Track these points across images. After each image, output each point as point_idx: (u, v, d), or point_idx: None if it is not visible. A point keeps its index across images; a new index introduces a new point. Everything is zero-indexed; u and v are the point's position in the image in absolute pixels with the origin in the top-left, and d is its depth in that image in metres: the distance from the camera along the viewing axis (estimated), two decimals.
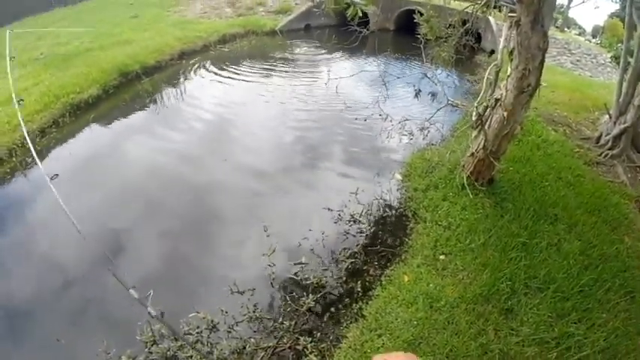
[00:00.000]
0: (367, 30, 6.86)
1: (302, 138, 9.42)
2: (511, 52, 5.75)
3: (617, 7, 22.13)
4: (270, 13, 21.91)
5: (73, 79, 11.08)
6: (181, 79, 13.36)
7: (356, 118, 10.25)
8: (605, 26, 40.11)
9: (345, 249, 6.03)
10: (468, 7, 7.26)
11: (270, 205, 7.05)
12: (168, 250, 6.05)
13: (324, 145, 9.15)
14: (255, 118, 10.50)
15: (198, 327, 4.77)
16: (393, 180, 7.72)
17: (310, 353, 4.49)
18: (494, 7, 7.42)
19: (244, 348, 4.58)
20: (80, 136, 9.32)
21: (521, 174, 7.16)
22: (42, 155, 8.34)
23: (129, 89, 12.05)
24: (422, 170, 7.59)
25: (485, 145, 6.30)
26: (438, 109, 7.41)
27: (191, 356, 4.48)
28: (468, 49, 8.48)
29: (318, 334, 4.77)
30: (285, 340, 4.67)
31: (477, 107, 6.25)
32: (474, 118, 6.28)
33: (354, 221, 6.60)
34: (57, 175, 6.17)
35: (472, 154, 6.68)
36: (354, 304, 5.08)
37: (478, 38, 15.81)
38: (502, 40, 6.89)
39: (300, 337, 4.67)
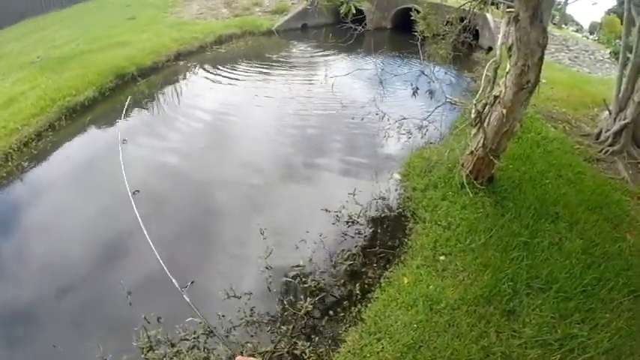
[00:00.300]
0: (362, 28, 6.77)
1: (299, 138, 9.36)
2: (510, 49, 5.66)
3: (614, 3, 22.13)
4: (267, 13, 21.78)
5: (69, 82, 11.00)
6: (177, 81, 13.27)
7: (353, 118, 10.16)
8: (602, 22, 40.05)
9: (343, 251, 5.95)
10: (465, 4, 7.19)
11: (267, 206, 6.99)
12: (164, 254, 5.89)
13: (321, 146, 9.08)
14: (251, 119, 10.41)
15: (194, 332, 4.70)
16: (391, 180, 7.63)
17: (308, 358, 4.43)
18: (492, 4, 7.34)
19: (241, 353, 4.48)
20: (76, 140, 9.24)
21: (521, 172, 7.08)
22: (39, 159, 8.30)
23: (125, 91, 11.93)
24: (421, 169, 7.51)
25: (484, 143, 6.22)
26: (436, 107, 7.30)
27: None
28: (466, 46, 8.41)
29: (317, 338, 4.71)
30: (282, 345, 4.60)
31: (475, 105, 6.17)
32: (472, 116, 6.20)
33: (353, 222, 6.53)
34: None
35: (471, 152, 6.61)
36: (352, 307, 5.00)
37: (476, 35, 15.70)
38: (500, 36, 6.82)
39: (298, 342, 4.60)
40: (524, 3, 5.16)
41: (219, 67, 14.55)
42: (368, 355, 4.31)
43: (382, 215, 6.77)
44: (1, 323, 5.01)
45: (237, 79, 13.47)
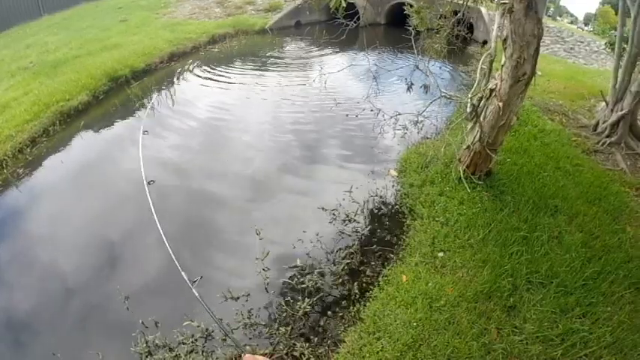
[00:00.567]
0: (355, 24, 6.70)
1: (293, 137, 9.27)
2: (504, 41, 5.60)
3: None
4: (260, 11, 21.72)
5: (63, 87, 10.94)
6: (171, 82, 13.16)
7: (347, 114, 10.11)
8: (597, 13, 40.12)
9: (340, 249, 5.90)
10: None
11: (262, 207, 6.91)
12: (159, 255, 5.83)
13: (316, 144, 9.01)
14: (246, 119, 10.32)
15: (192, 335, 4.65)
16: (387, 176, 7.58)
17: (308, 359, 4.38)
18: None
19: (240, 356, 4.42)
20: (71, 145, 9.16)
21: (518, 165, 7.03)
22: (33, 165, 8.23)
23: (119, 94, 11.86)
24: (417, 165, 7.45)
25: (481, 137, 6.17)
26: (431, 102, 7.23)
27: None
28: (460, 39, 8.32)
29: (316, 338, 4.65)
30: (281, 347, 4.55)
31: (471, 99, 6.11)
32: (468, 110, 6.13)
33: (350, 220, 6.46)
34: None
35: (468, 146, 6.55)
36: (351, 307, 4.95)
37: (470, 29, 15.67)
38: (495, 28, 6.74)
39: (297, 343, 4.55)
40: None
41: (213, 67, 14.47)
42: (367, 355, 4.25)
43: (379, 212, 6.69)
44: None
45: (231, 79, 13.38)
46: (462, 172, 6.59)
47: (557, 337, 4.41)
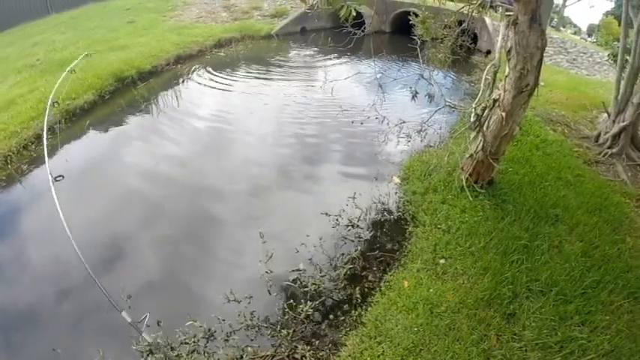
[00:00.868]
0: (362, 32, 6.78)
1: (298, 143, 9.34)
2: (508, 52, 5.67)
3: (612, 5, 22.15)
4: (266, 17, 21.81)
5: (68, 87, 10.97)
6: (177, 84, 13.25)
7: (352, 122, 10.15)
8: (600, 25, 40.16)
9: (343, 254, 5.95)
10: (463, 7, 7.20)
11: (267, 211, 6.97)
12: (165, 257, 6.00)
13: (320, 150, 9.08)
14: (250, 122, 10.40)
15: (194, 336, 4.69)
16: (391, 183, 7.63)
17: None
18: (490, 7, 7.37)
19: (241, 357, 4.50)
20: (76, 143, 9.25)
21: (520, 175, 7.10)
22: (37, 162, 8.29)
23: (125, 94, 11.95)
24: (420, 173, 7.51)
25: (484, 147, 6.24)
26: (436, 111, 7.33)
27: None
28: (465, 49, 8.42)
29: (317, 342, 4.70)
30: (283, 349, 4.60)
31: (475, 108, 6.19)
32: (472, 119, 6.21)
33: (353, 226, 6.52)
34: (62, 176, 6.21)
35: (471, 155, 6.61)
36: (353, 311, 5.00)
37: (474, 39, 15.74)
38: (499, 39, 6.84)
39: (299, 346, 4.59)
40: (522, 6, 5.18)
41: (219, 70, 14.55)
42: (368, 358, 4.30)
43: (382, 219, 6.76)
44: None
45: (236, 83, 13.47)
46: (464, 180, 6.66)
47: (556, 344, 4.46)
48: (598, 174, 7.74)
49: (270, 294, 5.35)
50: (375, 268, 5.74)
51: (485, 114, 6.21)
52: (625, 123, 8.31)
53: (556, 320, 4.70)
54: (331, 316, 5.02)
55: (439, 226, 6.13)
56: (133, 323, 2.14)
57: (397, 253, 5.97)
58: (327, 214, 6.75)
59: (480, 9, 6.89)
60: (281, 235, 6.36)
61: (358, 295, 5.22)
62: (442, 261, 5.54)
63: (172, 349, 4.55)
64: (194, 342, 4.65)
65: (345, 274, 5.57)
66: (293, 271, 5.65)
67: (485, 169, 6.57)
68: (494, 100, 6.03)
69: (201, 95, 12.33)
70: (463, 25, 7.64)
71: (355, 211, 6.79)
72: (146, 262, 5.90)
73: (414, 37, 7.18)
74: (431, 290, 5.02)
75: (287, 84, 13.57)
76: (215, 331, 4.78)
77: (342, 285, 5.45)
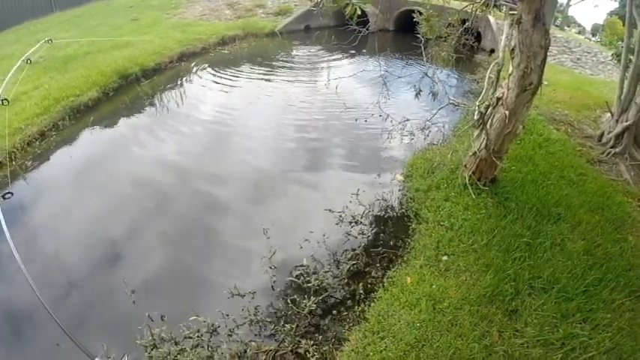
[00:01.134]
0: (367, 30, 6.80)
1: (302, 140, 9.37)
2: (512, 51, 5.69)
3: (616, 5, 22.08)
4: (270, 14, 21.82)
5: (73, 82, 11.07)
6: (180, 82, 13.32)
7: (356, 119, 10.18)
8: (604, 24, 40.06)
9: (346, 250, 5.98)
10: (467, 6, 7.21)
11: (271, 208, 7.03)
12: (169, 253, 6.04)
13: (324, 148, 9.10)
14: (254, 120, 10.44)
15: (198, 330, 4.74)
16: (394, 181, 7.67)
17: (312, 356, 4.46)
18: (494, 6, 7.37)
19: (245, 352, 4.54)
20: (80, 140, 9.31)
21: (523, 173, 7.10)
22: (42, 158, 8.37)
23: (128, 91, 12.03)
24: (423, 170, 7.54)
25: (487, 145, 6.25)
26: (439, 109, 7.36)
27: None
28: (468, 48, 8.43)
29: (320, 337, 4.74)
30: (286, 344, 4.63)
31: (478, 106, 6.20)
32: (475, 117, 6.22)
33: (356, 222, 6.55)
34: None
35: (474, 153, 6.63)
36: (356, 307, 5.03)
37: (478, 37, 15.74)
38: (503, 38, 6.84)
39: (302, 340, 4.63)
40: (526, 5, 5.20)
41: (223, 68, 14.62)
42: (371, 353, 4.33)
43: (385, 216, 6.80)
44: None
45: (240, 81, 13.53)
46: (467, 178, 6.68)
47: (558, 341, 4.48)
48: (601, 173, 7.73)
49: (273, 289, 5.39)
50: (378, 265, 5.77)
51: (488, 112, 6.23)
52: (628, 122, 8.30)
53: (558, 317, 4.72)
54: (334, 312, 5.05)
55: (442, 223, 6.14)
56: None
57: (400, 249, 5.99)
58: (330, 210, 6.77)
59: (484, 8, 6.89)
60: (285, 232, 6.40)
61: (361, 291, 5.26)
62: (445, 258, 5.56)
63: (176, 343, 4.60)
64: (198, 336, 4.68)
65: (348, 270, 5.61)
66: (296, 266, 5.68)
67: (488, 167, 6.58)
68: (498, 99, 6.05)
69: (204, 93, 12.37)
70: (467, 23, 7.63)
71: (359, 208, 6.82)
72: (152, 260, 5.91)
73: (418, 36, 7.19)
74: (433, 286, 5.05)
75: (290, 82, 13.62)
76: (219, 326, 4.82)
77: (346, 281, 5.48)
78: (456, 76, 14.61)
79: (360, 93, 12.18)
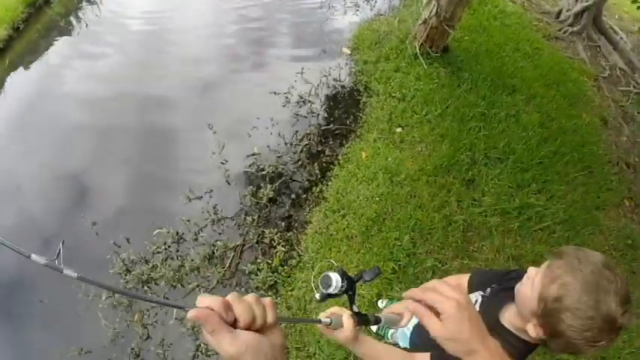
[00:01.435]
0: None
1: (241, 30, 8.33)
2: None
3: None
4: None
5: None
6: None
7: None
8: None
9: (297, 132, 5.65)
10: None
11: (215, 104, 6.43)
12: (122, 175, 5.58)
13: (264, 28, 8.28)
14: (186, 17, 9.18)
15: (165, 243, 4.52)
16: (340, 55, 7.09)
17: (278, 244, 4.36)
18: None
19: (213, 253, 4.40)
20: (3, 88, 7.96)
21: (477, 44, 6.72)
22: None
23: (40, 19, 10.34)
24: (371, 42, 6.96)
25: (437, 12, 5.78)
26: None
27: (163, 274, 4.26)
28: None
29: (282, 223, 4.62)
30: (251, 236, 4.52)
31: None
32: None
33: (304, 102, 6.11)
34: None
35: (424, 21, 6.12)
36: (314, 188, 4.87)
37: None
38: None
39: (266, 230, 4.51)
40: None
41: None
42: (335, 232, 4.25)
43: (334, 92, 6.36)
44: None
45: None
46: (417, 47, 6.23)
47: (514, 210, 4.50)
48: (557, 50, 7.47)
49: (229, 184, 5.10)
50: (331, 142, 5.50)
51: None
52: (588, 3, 7.96)
53: (514, 187, 4.71)
54: (293, 196, 4.90)
55: (393, 95, 5.79)
56: (49, 262, 1.67)
57: (352, 124, 5.69)
58: (275, 92, 6.26)
59: None
60: (231, 123, 5.94)
61: (317, 171, 5.05)
62: (399, 130, 5.30)
63: (147, 261, 4.40)
64: (165, 249, 4.50)
65: (301, 152, 5.35)
66: (248, 156, 5.36)
67: (439, 36, 6.14)
68: None
69: None
70: None
71: (305, 87, 6.33)
72: (105, 185, 5.48)
73: None
74: (389, 159, 4.85)
75: None
76: (183, 234, 4.60)
77: (300, 163, 5.24)
78: None
79: None
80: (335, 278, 1.17)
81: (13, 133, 6.60)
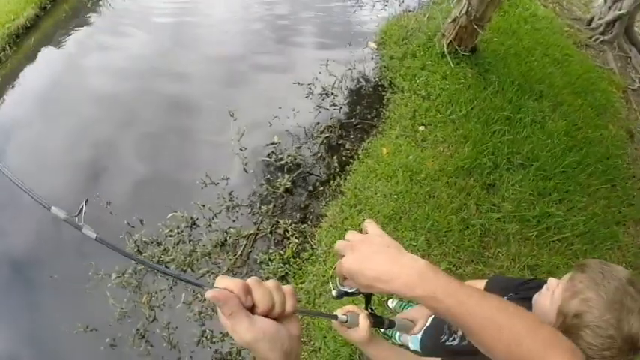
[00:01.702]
0: None
1: (267, 13, 8.40)
2: None
3: None
4: None
5: (5, 8, 9.37)
6: None
7: None
8: None
9: (318, 124, 5.64)
10: None
11: (236, 89, 6.45)
12: (140, 155, 5.66)
13: (291, 18, 8.25)
14: (213, 7, 9.21)
15: (178, 227, 4.55)
16: (366, 49, 7.04)
17: (291, 236, 4.35)
18: None
19: (226, 240, 4.42)
20: (28, 67, 8.00)
21: (506, 46, 6.60)
22: None
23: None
24: (398, 38, 6.89)
25: (468, 11, 5.69)
26: None
27: (174, 258, 4.30)
28: None
29: (298, 214, 4.63)
30: (265, 226, 4.52)
31: None
32: None
33: (327, 94, 6.09)
34: None
35: (454, 19, 6.03)
36: (331, 181, 4.86)
37: None
38: None
39: (280, 221, 4.51)
40: None
41: None
42: (350, 227, 4.15)
43: (358, 85, 6.34)
44: None
45: None
46: (445, 46, 6.14)
47: (534, 218, 4.40)
48: (587, 57, 7.31)
49: (246, 172, 5.13)
50: (352, 137, 5.48)
51: None
52: (621, 11, 7.79)
53: (535, 195, 4.61)
54: (310, 188, 4.91)
55: (418, 92, 5.73)
56: (68, 218, 1.70)
57: (375, 120, 5.65)
58: (299, 83, 6.25)
59: None
60: (252, 112, 5.94)
61: (336, 165, 5.05)
62: (422, 128, 5.25)
63: (159, 244, 4.45)
64: (178, 233, 4.52)
65: (321, 144, 5.33)
66: (267, 145, 5.38)
67: (468, 35, 6.04)
68: None
69: None
70: None
71: (329, 79, 6.29)
72: (121, 166, 5.56)
73: None
74: (410, 157, 4.80)
75: None
76: (197, 219, 4.63)
77: (320, 155, 5.24)
78: None
79: None
80: None
81: (38, 109, 6.66)
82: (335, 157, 5.12)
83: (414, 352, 2.28)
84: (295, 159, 5.12)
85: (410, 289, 0.92)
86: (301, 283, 4.02)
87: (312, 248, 4.24)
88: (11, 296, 4.49)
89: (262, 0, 8.83)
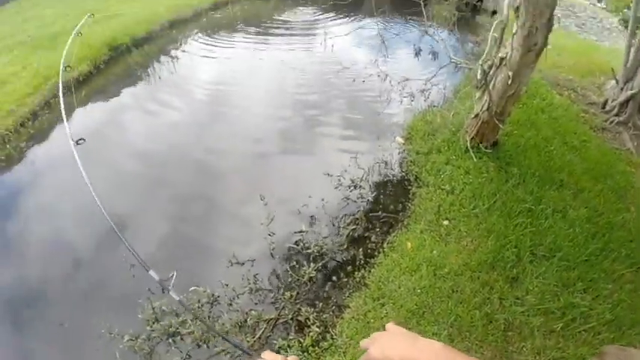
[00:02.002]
0: None
1: (299, 104, 9.09)
2: (517, 9, 5.44)
3: None
4: None
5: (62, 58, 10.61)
6: (172, 50, 12.79)
7: (354, 80, 9.87)
8: None
9: (345, 215, 5.89)
10: None
11: (268, 174, 6.92)
12: (168, 225, 5.96)
13: (322, 110, 8.83)
14: (249, 85, 10.10)
15: (199, 301, 4.68)
16: (394, 143, 7.49)
17: (313, 324, 4.40)
18: None
19: (245, 321, 4.49)
20: (74, 116, 8.90)
21: (525, 138, 6.90)
22: (36, 139, 8.19)
23: (120, 63, 11.70)
24: (424, 133, 7.34)
25: (489, 107, 6.05)
26: (440, 68, 7.10)
27: (192, 332, 4.38)
28: (470, 7, 8.14)
29: (320, 304, 4.69)
30: (286, 311, 4.60)
31: (481, 65, 5.98)
32: (478, 77, 6.00)
33: (355, 186, 6.43)
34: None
35: (476, 115, 6.43)
36: (356, 273, 4.96)
37: None
38: None
39: (302, 308, 4.58)
40: None
41: (216, 33, 14.10)
42: (372, 320, 4.28)
43: (385, 179, 6.68)
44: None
45: (233, 47, 13.03)
46: (468, 141, 6.50)
47: (558, 310, 4.40)
48: (604, 141, 7.53)
49: (272, 257, 5.31)
50: (378, 229, 5.68)
51: (491, 73, 6.01)
52: (633, 91, 8.06)
53: (559, 286, 4.63)
54: (334, 278, 4.99)
55: (443, 187, 6.02)
56: (161, 281, 2.15)
57: (400, 214, 5.88)
58: (329, 174, 6.64)
59: None
60: (283, 198, 6.27)
61: (361, 257, 5.18)
62: (446, 222, 5.45)
63: (177, 315, 4.55)
64: (199, 307, 4.64)
65: (347, 236, 5.53)
66: (295, 233, 5.61)
67: (490, 130, 6.40)
68: (501, 59, 5.82)
69: (198, 60, 11.93)
70: None
71: (358, 172, 6.68)
72: (150, 232, 5.84)
73: None
74: (434, 252, 4.96)
75: (286, 45, 13.11)
76: (219, 296, 4.76)
77: (345, 246, 5.40)
78: (457, 36, 14.17)
79: (357, 53, 11.69)
80: None
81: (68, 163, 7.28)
82: (360, 249, 5.28)
83: None
84: (322, 248, 5.29)
85: None
86: None
87: (332, 338, 4.27)
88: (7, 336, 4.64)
89: (295, 90, 9.56)
